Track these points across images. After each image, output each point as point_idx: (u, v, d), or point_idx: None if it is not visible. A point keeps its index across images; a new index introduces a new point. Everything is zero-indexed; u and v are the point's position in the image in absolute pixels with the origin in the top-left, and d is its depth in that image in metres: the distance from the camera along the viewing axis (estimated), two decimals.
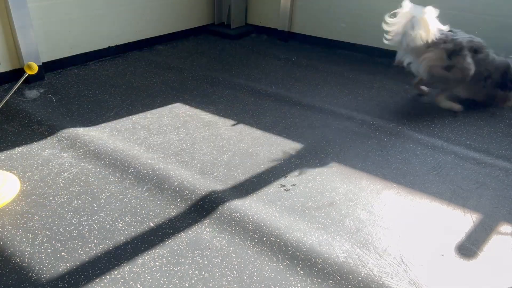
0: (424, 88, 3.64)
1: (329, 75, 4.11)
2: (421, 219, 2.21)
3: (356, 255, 1.94)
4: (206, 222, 2.10)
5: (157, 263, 1.85)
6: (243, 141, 2.87)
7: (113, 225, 2.06)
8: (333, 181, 2.48)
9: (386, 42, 3.26)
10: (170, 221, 2.10)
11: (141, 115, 3.18)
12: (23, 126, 2.93)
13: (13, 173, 2.41)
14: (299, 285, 1.77)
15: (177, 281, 1.76)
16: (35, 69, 2.22)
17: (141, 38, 4.52)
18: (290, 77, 4.03)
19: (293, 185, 2.43)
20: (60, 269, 1.80)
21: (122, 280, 1.76)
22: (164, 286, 1.74)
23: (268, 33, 5.25)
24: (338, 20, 4.72)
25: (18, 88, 3.45)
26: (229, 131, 3.00)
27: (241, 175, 2.50)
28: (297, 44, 5.01)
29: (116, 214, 2.13)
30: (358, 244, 2.01)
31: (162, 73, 3.98)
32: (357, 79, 4.03)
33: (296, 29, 5.05)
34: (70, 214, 2.12)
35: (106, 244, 1.94)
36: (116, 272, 1.79)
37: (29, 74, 2.27)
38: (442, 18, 3.14)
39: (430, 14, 3.02)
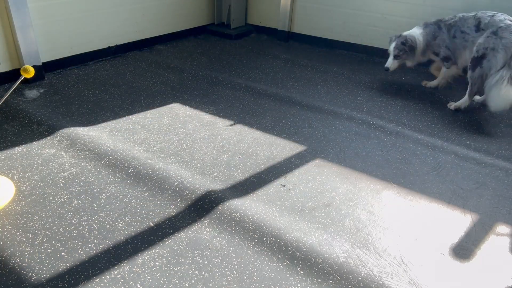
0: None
1: (329, 75, 4.10)
2: (421, 219, 2.21)
3: (356, 255, 1.94)
4: (206, 222, 2.10)
5: (157, 263, 1.85)
6: (243, 141, 2.87)
7: (113, 225, 2.06)
8: (333, 181, 2.48)
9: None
10: (170, 221, 2.10)
11: (141, 115, 3.18)
12: (23, 126, 2.93)
13: (13, 173, 2.41)
14: (299, 285, 1.77)
15: (177, 281, 1.76)
16: (31, 72, 2.22)
17: (141, 38, 4.52)
18: (290, 77, 4.03)
19: (293, 185, 2.43)
20: (60, 269, 1.80)
21: (122, 280, 1.76)
22: (164, 286, 1.74)
23: (268, 33, 5.25)
24: (338, 20, 4.72)
25: (18, 88, 3.45)
26: (229, 131, 3.00)
27: (241, 175, 2.50)
28: (297, 44, 5.01)
29: (116, 214, 2.13)
30: (358, 244, 2.01)
31: (162, 73, 3.98)
32: (357, 79, 4.03)
33: (296, 29, 5.05)
34: (70, 214, 2.12)
35: (106, 244, 1.94)
36: (116, 272, 1.79)
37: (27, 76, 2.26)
38: None
39: None
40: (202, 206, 2.20)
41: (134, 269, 1.81)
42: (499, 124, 3.23)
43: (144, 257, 1.88)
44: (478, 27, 3.23)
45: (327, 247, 1.97)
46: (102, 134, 2.86)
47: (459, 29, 3.36)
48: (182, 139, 2.87)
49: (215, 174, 2.49)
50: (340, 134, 3.02)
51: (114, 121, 3.06)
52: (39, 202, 2.19)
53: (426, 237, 2.08)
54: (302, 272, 1.84)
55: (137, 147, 2.73)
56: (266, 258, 1.90)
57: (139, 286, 1.74)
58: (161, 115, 3.18)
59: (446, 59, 3.57)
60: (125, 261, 1.85)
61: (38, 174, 2.42)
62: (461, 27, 3.35)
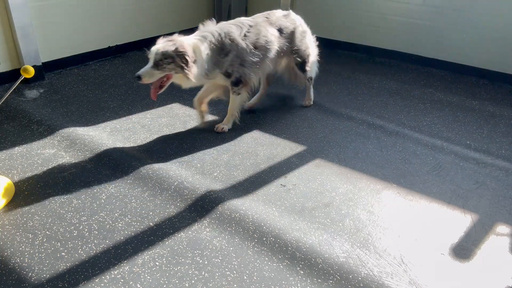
0: None
1: (329, 75, 4.10)
2: (421, 219, 2.21)
3: (356, 255, 1.94)
4: (206, 222, 2.10)
5: (157, 263, 1.85)
6: (243, 141, 2.87)
7: (113, 225, 2.06)
8: (333, 181, 2.48)
9: None
10: (170, 221, 2.10)
11: (141, 115, 3.18)
12: (23, 126, 2.93)
13: (13, 173, 2.41)
14: (299, 285, 1.77)
15: (177, 281, 1.76)
16: (31, 72, 2.22)
17: (141, 38, 4.52)
18: None
19: (293, 185, 2.43)
20: (60, 269, 1.80)
21: (122, 280, 1.76)
22: (164, 286, 1.74)
23: None
24: (338, 20, 4.71)
25: (18, 88, 3.45)
26: (229, 131, 3.00)
27: (241, 175, 2.50)
28: None
29: (116, 214, 2.13)
30: (358, 244, 2.01)
31: None
32: (357, 79, 4.03)
33: None
34: (70, 214, 2.12)
35: (106, 244, 1.94)
36: (116, 272, 1.79)
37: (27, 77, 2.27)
38: None
39: None
40: (202, 206, 2.20)
41: (134, 269, 1.81)
42: (499, 124, 3.23)
43: (144, 257, 1.87)
44: (282, 31, 3.07)
45: (327, 247, 1.97)
46: (102, 134, 2.86)
47: (264, 39, 2.89)
48: (182, 139, 2.87)
49: (215, 174, 2.49)
50: (340, 134, 3.02)
51: (114, 121, 3.06)
52: (39, 202, 2.19)
53: (426, 237, 2.08)
54: (302, 272, 1.83)
55: (137, 147, 2.73)
56: (266, 258, 1.90)
57: (139, 286, 1.74)
58: (161, 115, 3.18)
59: (238, 82, 2.84)
60: (125, 261, 1.85)
61: (38, 174, 2.42)
62: (265, 37, 2.91)
